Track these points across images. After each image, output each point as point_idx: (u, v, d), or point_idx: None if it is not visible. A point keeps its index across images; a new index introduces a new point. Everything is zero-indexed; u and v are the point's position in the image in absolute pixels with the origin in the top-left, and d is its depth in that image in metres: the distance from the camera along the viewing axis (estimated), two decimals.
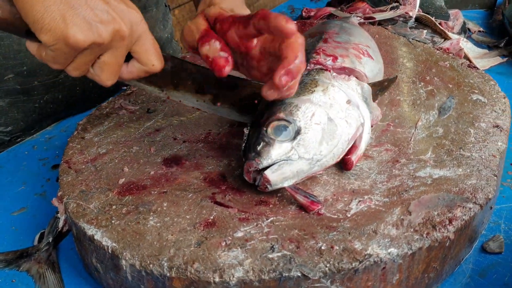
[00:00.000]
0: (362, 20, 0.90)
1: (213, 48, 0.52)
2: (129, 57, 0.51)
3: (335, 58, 0.62)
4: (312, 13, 1.04)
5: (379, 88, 0.65)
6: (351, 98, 0.57)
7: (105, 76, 0.50)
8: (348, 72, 0.62)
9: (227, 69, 0.51)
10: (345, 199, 0.53)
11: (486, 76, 0.75)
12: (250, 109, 0.59)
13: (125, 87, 0.78)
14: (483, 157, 0.58)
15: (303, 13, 1.07)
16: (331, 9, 1.02)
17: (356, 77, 0.62)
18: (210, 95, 0.58)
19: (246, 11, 0.60)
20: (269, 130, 0.52)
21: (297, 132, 0.52)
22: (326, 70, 0.60)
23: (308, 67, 0.61)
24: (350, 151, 0.56)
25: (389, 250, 0.46)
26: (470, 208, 0.51)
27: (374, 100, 0.63)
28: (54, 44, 0.45)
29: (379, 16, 0.91)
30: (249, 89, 0.59)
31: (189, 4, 1.88)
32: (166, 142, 0.63)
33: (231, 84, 0.58)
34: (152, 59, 0.51)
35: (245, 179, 0.53)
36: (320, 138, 0.53)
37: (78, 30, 0.45)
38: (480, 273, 0.54)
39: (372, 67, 0.67)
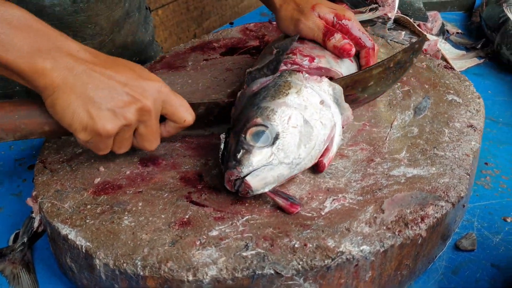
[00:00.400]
0: None
1: (338, 39, 0.66)
2: (164, 118, 0.56)
3: (312, 59, 0.63)
4: None
5: (411, 52, 0.65)
6: (324, 99, 0.58)
7: (147, 144, 0.55)
8: (324, 72, 0.63)
9: (353, 51, 0.66)
10: (320, 197, 0.54)
11: (462, 77, 0.77)
12: None
13: None
14: (456, 156, 0.59)
15: None
16: None
17: (333, 77, 0.63)
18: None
19: (343, 8, 0.71)
20: (248, 136, 0.52)
21: (276, 137, 0.52)
22: (298, 71, 0.60)
23: (284, 67, 0.61)
24: (322, 154, 0.56)
25: (361, 248, 0.47)
26: (442, 206, 0.52)
27: (407, 68, 0.66)
28: (90, 139, 0.52)
29: (358, 18, 0.91)
30: None
31: (173, 4, 1.87)
32: None
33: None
34: (182, 116, 0.56)
35: (226, 186, 0.52)
36: (298, 141, 0.53)
37: (105, 121, 0.50)
38: (453, 270, 0.55)
39: (350, 67, 0.67)
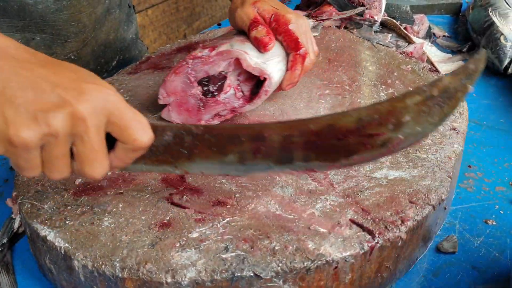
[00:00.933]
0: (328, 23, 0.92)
1: (260, 31, 0.64)
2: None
3: (212, 48, 0.63)
4: None
5: (464, 76, 0.46)
6: None
7: (87, 168, 0.42)
8: (226, 56, 0.63)
9: (271, 46, 0.64)
10: (302, 199, 0.54)
11: None
12: (289, 157, 0.46)
13: None
14: (438, 159, 0.60)
15: None
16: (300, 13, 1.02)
17: (237, 58, 0.63)
18: (233, 155, 0.46)
19: (289, 11, 0.69)
20: None
21: None
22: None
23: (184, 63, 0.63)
24: None
25: (341, 250, 0.47)
26: (422, 209, 0.52)
27: (458, 98, 0.46)
28: (6, 151, 0.40)
29: (339, 16, 0.91)
30: (280, 135, 0.45)
31: (163, 4, 1.87)
32: None
33: (257, 135, 0.46)
34: (132, 133, 0.42)
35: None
36: None
37: (20, 127, 0.38)
38: (434, 272, 0.55)
39: (278, 65, 0.66)
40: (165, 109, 0.66)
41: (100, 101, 0.41)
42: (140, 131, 0.42)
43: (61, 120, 0.39)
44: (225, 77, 0.64)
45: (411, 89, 0.73)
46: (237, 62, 0.64)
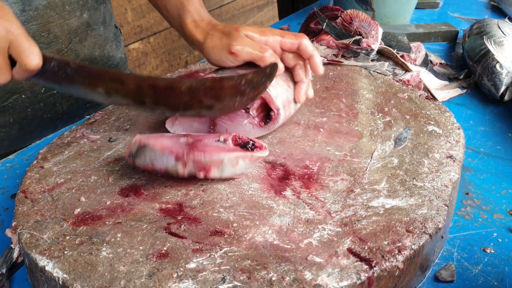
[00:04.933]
0: (325, 60, 0.93)
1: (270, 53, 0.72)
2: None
3: None
4: None
5: (263, 76, 0.66)
6: None
7: None
8: None
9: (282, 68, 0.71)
10: (299, 229, 0.54)
11: (443, 108, 0.78)
12: (141, 100, 0.65)
13: (88, 116, 0.78)
14: (435, 187, 0.60)
15: None
16: None
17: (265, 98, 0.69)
18: (101, 88, 0.63)
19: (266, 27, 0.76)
20: None
21: None
22: None
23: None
24: None
25: (337, 280, 0.47)
26: (419, 238, 0.52)
27: (260, 91, 0.66)
28: None
29: (347, 62, 0.93)
30: (134, 82, 0.64)
31: (164, 32, 1.90)
32: (125, 171, 0.63)
33: (116, 77, 0.64)
34: (25, 59, 0.58)
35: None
36: None
37: None
38: None
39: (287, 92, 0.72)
40: (172, 120, 0.69)
41: (3, 32, 0.57)
42: (30, 57, 0.58)
43: None
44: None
45: (407, 117, 0.74)
46: (262, 100, 0.68)
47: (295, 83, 0.72)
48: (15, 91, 0.84)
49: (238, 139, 0.61)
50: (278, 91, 0.68)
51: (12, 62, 0.59)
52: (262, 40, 0.71)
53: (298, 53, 0.72)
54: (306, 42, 0.71)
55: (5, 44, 0.57)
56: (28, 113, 0.88)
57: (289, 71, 0.73)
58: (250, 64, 0.71)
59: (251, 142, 0.61)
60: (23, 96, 0.85)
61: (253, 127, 0.69)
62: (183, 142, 0.60)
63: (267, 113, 0.69)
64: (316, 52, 0.72)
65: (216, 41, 0.72)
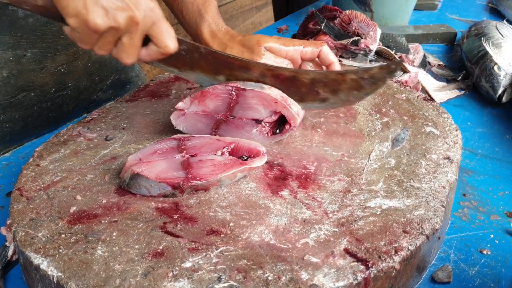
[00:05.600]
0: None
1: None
2: (148, 41, 0.59)
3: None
4: None
5: (386, 71, 0.64)
6: None
7: (124, 55, 0.58)
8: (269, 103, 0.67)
9: None
10: (296, 229, 0.54)
11: (441, 109, 0.78)
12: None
13: (85, 115, 0.78)
14: (432, 188, 0.60)
15: None
16: None
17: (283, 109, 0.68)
18: (223, 76, 0.66)
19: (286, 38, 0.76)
20: None
21: None
22: None
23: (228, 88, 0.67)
24: None
25: (334, 280, 0.47)
26: (416, 238, 0.52)
27: (379, 86, 0.66)
28: (78, 27, 0.55)
29: (345, 61, 0.93)
30: (259, 70, 0.66)
31: None
32: (121, 170, 0.63)
33: (243, 65, 0.65)
34: (166, 41, 0.59)
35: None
36: None
37: (97, 16, 0.54)
38: None
39: None
40: (178, 114, 0.68)
41: (149, 12, 0.56)
42: (170, 39, 0.59)
43: (123, 19, 0.55)
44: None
45: (405, 118, 0.74)
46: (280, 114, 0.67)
47: None
48: (26, 88, 0.84)
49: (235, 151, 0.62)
50: (298, 107, 0.68)
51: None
52: (283, 51, 0.72)
53: (317, 62, 0.73)
54: (326, 50, 0.72)
55: (149, 24, 0.57)
56: (35, 111, 0.87)
57: None
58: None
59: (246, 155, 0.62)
60: (32, 94, 0.85)
61: (260, 135, 0.68)
62: (178, 162, 0.60)
63: (279, 123, 0.69)
64: (337, 60, 0.73)
65: (236, 55, 0.71)
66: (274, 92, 0.66)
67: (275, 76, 0.65)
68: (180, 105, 0.68)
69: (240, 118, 0.67)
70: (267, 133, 0.68)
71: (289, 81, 0.65)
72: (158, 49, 0.59)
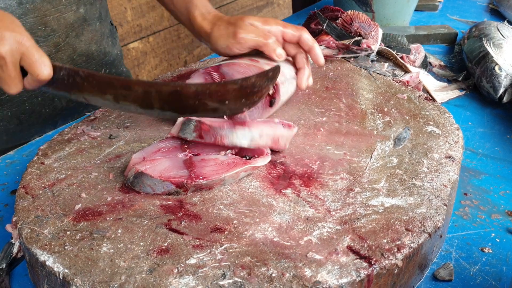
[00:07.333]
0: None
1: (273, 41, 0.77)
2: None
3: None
4: None
5: (266, 79, 0.68)
6: None
7: (6, 87, 0.62)
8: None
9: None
10: (299, 226, 0.54)
11: (442, 109, 0.78)
12: (150, 105, 0.67)
13: (88, 113, 0.78)
14: (434, 187, 0.60)
15: None
16: None
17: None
18: (109, 95, 0.66)
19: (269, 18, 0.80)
20: None
21: None
22: None
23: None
24: None
25: (337, 277, 0.47)
26: (418, 236, 0.53)
27: (263, 94, 0.69)
28: None
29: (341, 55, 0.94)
30: (142, 88, 0.66)
31: (164, 32, 1.90)
32: (126, 168, 0.63)
33: (124, 83, 0.66)
34: (37, 70, 0.60)
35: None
36: None
37: None
38: None
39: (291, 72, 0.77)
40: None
41: (15, 44, 0.59)
42: (41, 68, 0.61)
43: None
44: None
45: (407, 117, 0.74)
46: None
47: (296, 70, 0.77)
48: None
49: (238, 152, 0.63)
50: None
51: (23, 73, 0.62)
52: (265, 29, 0.75)
53: (299, 46, 0.76)
54: (306, 36, 0.75)
55: (17, 56, 0.59)
56: (26, 107, 0.88)
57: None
58: (255, 54, 0.75)
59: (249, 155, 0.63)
60: None
61: (258, 108, 0.72)
62: (181, 161, 0.60)
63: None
64: (316, 44, 0.75)
65: (222, 30, 0.76)
66: (245, 60, 0.70)
67: (158, 92, 0.66)
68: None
69: None
70: (264, 104, 0.72)
71: (174, 95, 0.66)
72: (32, 77, 0.61)
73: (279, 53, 0.73)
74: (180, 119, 0.63)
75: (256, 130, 0.62)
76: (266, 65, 0.72)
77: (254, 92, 0.67)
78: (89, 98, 0.66)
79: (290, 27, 0.76)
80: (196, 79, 0.74)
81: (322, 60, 0.76)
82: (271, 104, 0.72)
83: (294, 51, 0.77)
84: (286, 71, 0.76)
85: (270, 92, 0.72)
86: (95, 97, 0.66)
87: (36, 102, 0.89)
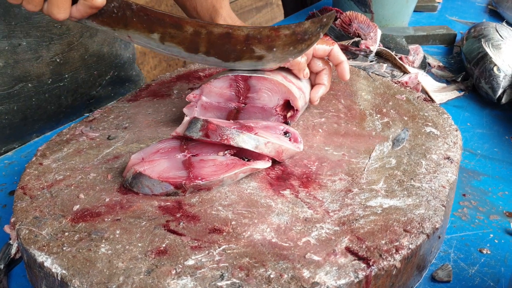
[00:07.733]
0: None
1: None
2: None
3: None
4: None
5: (319, 26, 0.66)
6: None
7: (55, 10, 0.58)
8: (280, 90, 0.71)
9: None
10: (298, 227, 0.54)
11: (440, 110, 0.78)
12: (195, 48, 0.64)
13: (87, 114, 0.78)
14: (432, 187, 0.60)
15: None
16: None
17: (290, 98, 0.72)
18: (157, 34, 0.62)
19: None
20: None
21: None
22: None
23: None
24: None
25: (335, 278, 0.47)
26: (417, 237, 0.53)
27: (312, 42, 0.67)
28: None
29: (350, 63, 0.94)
30: (193, 28, 0.62)
31: None
32: (124, 169, 0.63)
33: (175, 21, 0.62)
34: None
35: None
36: None
37: None
38: None
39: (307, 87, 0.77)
40: (191, 107, 0.72)
41: None
42: None
43: None
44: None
45: (405, 118, 0.74)
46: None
47: (314, 84, 0.76)
48: (22, 79, 0.85)
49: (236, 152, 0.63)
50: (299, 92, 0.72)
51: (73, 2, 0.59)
52: None
53: (326, 60, 0.75)
54: (337, 49, 0.74)
55: None
56: (33, 102, 0.88)
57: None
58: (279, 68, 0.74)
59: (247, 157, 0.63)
60: (29, 85, 0.86)
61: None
62: (179, 162, 0.60)
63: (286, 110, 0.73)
64: (345, 58, 0.75)
65: None
66: (277, 76, 0.69)
67: (209, 33, 0.63)
68: (190, 96, 0.71)
69: (252, 106, 0.70)
70: (281, 120, 0.72)
71: (223, 38, 0.63)
72: (85, 3, 0.58)
73: (306, 73, 0.73)
74: (187, 119, 0.63)
75: (262, 139, 0.61)
76: (294, 87, 0.71)
77: (305, 39, 0.65)
78: (133, 36, 0.63)
79: (322, 42, 0.74)
80: (222, 81, 0.71)
81: (348, 76, 0.75)
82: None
83: (320, 68, 0.75)
84: (307, 93, 0.75)
85: (288, 114, 0.71)
86: (140, 35, 0.62)
87: (43, 99, 0.89)
